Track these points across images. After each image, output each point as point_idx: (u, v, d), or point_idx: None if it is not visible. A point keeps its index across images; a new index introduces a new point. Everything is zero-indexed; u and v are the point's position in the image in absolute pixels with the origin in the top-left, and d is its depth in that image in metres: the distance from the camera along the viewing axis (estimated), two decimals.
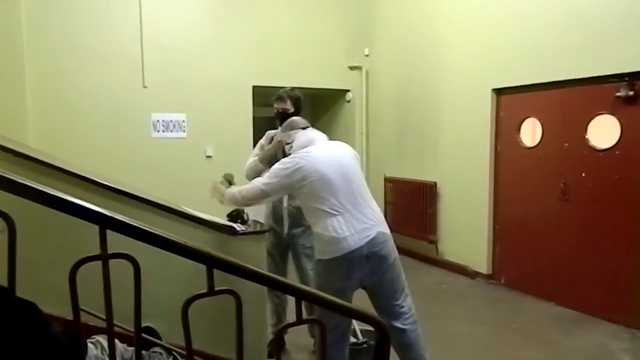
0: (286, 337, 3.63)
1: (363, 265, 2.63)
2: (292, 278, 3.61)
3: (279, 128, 3.48)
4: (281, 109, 3.47)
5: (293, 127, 2.99)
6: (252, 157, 3.67)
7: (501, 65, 5.21)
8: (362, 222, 2.66)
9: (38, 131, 5.44)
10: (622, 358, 3.67)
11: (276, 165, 2.76)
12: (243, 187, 2.89)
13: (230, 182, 3.19)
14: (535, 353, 3.75)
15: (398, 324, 2.73)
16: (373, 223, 2.69)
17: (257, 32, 6.64)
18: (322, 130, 3.68)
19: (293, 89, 3.52)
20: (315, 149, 2.79)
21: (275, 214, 3.56)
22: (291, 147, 2.90)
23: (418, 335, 2.78)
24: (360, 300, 2.70)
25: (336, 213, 2.63)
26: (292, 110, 3.47)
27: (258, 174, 3.46)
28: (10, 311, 1.12)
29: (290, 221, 3.52)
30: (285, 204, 3.50)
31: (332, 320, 2.42)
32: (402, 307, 2.76)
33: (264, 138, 3.66)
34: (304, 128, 2.97)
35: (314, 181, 2.63)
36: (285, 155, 2.90)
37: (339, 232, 2.60)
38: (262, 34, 6.67)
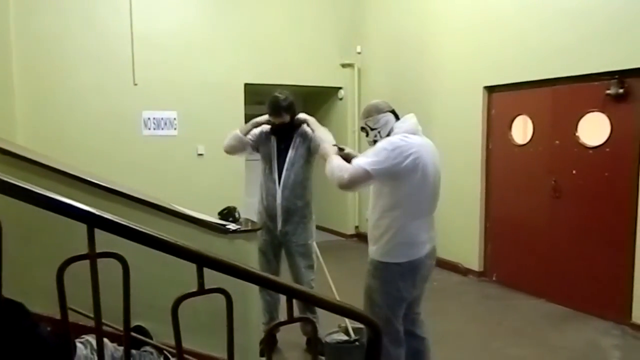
0: (278, 336, 3.63)
1: (424, 273, 2.61)
2: (283, 276, 3.61)
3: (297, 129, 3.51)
4: (279, 122, 3.45)
5: (379, 110, 2.63)
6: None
7: (493, 63, 5.23)
8: (430, 230, 2.60)
9: (27, 129, 5.39)
10: (613, 354, 3.70)
11: (383, 145, 2.42)
12: (345, 164, 2.50)
13: (342, 149, 2.80)
14: (526, 350, 3.77)
15: (419, 332, 2.75)
16: (434, 234, 2.64)
17: (248, 29, 6.62)
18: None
19: (286, 96, 3.46)
20: (423, 141, 2.53)
21: (269, 210, 3.53)
22: (378, 133, 2.59)
23: (431, 345, 2.80)
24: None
25: (421, 214, 2.52)
26: (288, 120, 3.46)
27: (235, 139, 3.52)
28: None
29: (284, 217, 3.50)
30: (279, 200, 3.48)
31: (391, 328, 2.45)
32: (420, 314, 2.80)
33: (260, 127, 3.61)
34: (392, 112, 2.64)
35: (419, 175, 2.41)
36: (370, 140, 2.63)
37: (420, 236, 2.51)
38: (254, 32, 6.65)
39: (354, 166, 2.42)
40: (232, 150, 3.62)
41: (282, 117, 3.42)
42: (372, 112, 2.64)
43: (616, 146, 4.19)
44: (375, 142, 2.57)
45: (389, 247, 2.50)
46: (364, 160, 2.41)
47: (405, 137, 2.44)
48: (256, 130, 3.59)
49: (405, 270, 2.50)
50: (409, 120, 2.60)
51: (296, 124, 3.50)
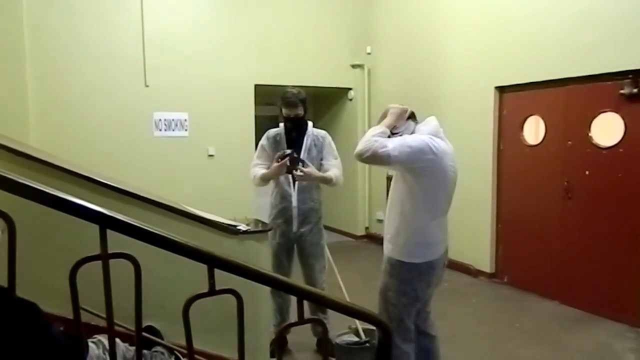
0: (288, 336, 3.63)
1: (439, 272, 2.66)
2: (294, 278, 3.61)
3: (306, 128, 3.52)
4: (294, 115, 3.46)
5: (409, 117, 2.66)
6: (256, 160, 3.60)
7: (504, 63, 5.19)
8: (445, 231, 2.64)
9: (39, 131, 5.45)
10: (627, 357, 3.65)
11: (414, 138, 2.43)
12: (377, 137, 2.44)
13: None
14: (539, 352, 3.73)
15: (430, 331, 2.79)
16: (447, 235, 2.68)
17: (259, 30, 6.63)
18: (323, 129, 3.69)
19: (299, 91, 3.49)
20: (446, 143, 2.56)
21: (285, 213, 3.53)
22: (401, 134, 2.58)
23: (440, 343, 2.84)
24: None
25: (439, 215, 2.54)
26: (303, 113, 3.49)
27: (264, 183, 3.49)
28: (11, 311, 1.12)
29: (300, 220, 3.51)
30: (295, 203, 3.49)
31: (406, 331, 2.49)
32: (430, 313, 2.83)
33: (264, 138, 3.63)
34: (411, 116, 2.67)
35: (441, 173, 2.44)
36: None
37: (438, 236, 2.54)
38: (264, 33, 6.66)
39: (382, 144, 2.37)
40: (259, 185, 3.59)
41: (297, 110, 3.45)
42: (399, 115, 2.65)
43: (630, 147, 4.13)
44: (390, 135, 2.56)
45: (408, 247, 2.51)
46: (399, 144, 2.37)
47: (432, 138, 2.46)
48: (264, 143, 3.58)
49: (423, 271, 2.52)
50: (431, 122, 2.61)
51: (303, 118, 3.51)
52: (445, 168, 2.45)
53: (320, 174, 3.44)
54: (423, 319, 2.77)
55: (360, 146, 2.43)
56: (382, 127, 2.52)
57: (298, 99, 3.44)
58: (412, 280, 2.53)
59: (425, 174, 2.42)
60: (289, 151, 3.34)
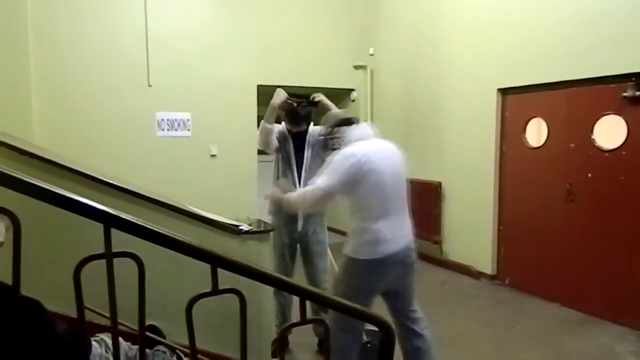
0: (290, 337, 3.63)
1: (397, 270, 2.68)
2: (296, 278, 3.61)
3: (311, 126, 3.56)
4: (296, 131, 3.52)
5: (340, 123, 2.83)
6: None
7: (506, 65, 5.19)
8: (401, 227, 2.71)
9: (43, 130, 5.46)
10: None
11: (335, 159, 2.61)
12: (304, 190, 2.74)
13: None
14: (540, 354, 3.73)
15: (416, 328, 2.80)
16: (408, 231, 2.75)
17: (261, 31, 6.64)
18: None
19: (304, 105, 3.51)
20: (373, 145, 2.70)
21: (289, 212, 3.53)
22: (339, 141, 2.75)
23: (431, 339, 2.84)
24: (378, 300, 2.72)
25: (383, 215, 2.61)
26: (306, 127, 3.54)
27: (267, 133, 3.45)
28: (15, 309, 1.12)
29: (305, 219, 3.52)
30: None
31: (347, 320, 2.46)
32: (416, 312, 2.84)
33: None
34: (352, 123, 2.82)
35: (371, 177, 2.54)
36: (327, 149, 2.82)
37: (384, 235, 2.59)
38: (267, 33, 6.67)
39: (311, 189, 2.62)
40: (266, 145, 3.53)
41: (301, 127, 3.51)
42: (332, 122, 2.88)
43: (633, 149, 4.13)
44: (334, 149, 2.75)
45: (354, 245, 2.65)
46: (321, 179, 2.59)
47: (354, 146, 2.62)
48: (275, 128, 3.59)
49: (369, 266, 2.60)
50: (357, 129, 2.77)
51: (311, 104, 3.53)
52: (374, 170, 2.55)
53: None
54: (408, 317, 2.81)
55: (302, 207, 2.77)
56: (290, 196, 2.79)
57: (301, 116, 3.48)
58: (356, 274, 2.63)
59: (355, 183, 2.56)
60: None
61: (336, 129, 2.81)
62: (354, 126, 2.79)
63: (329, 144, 2.85)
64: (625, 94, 4.09)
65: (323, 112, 3.57)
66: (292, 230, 3.54)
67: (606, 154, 4.33)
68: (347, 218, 2.72)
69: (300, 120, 3.48)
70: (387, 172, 2.62)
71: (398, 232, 2.67)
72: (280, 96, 3.45)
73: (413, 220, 2.84)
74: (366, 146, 2.64)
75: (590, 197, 4.48)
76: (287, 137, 3.57)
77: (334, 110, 3.04)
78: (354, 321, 2.57)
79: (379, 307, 2.71)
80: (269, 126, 3.47)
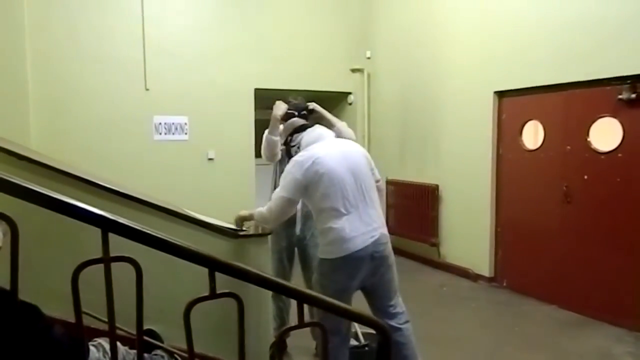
0: (288, 340, 3.63)
1: (367, 266, 2.66)
2: (294, 281, 3.62)
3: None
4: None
5: (296, 130, 2.99)
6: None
7: (503, 68, 5.21)
8: (368, 223, 2.67)
9: (40, 134, 5.46)
10: None
11: (287, 167, 2.72)
12: (269, 203, 2.78)
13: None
14: (538, 356, 3.73)
15: (394, 323, 2.78)
16: (377, 225, 2.71)
17: (259, 34, 6.65)
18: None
19: (304, 114, 3.51)
20: (326, 146, 2.76)
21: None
22: (297, 148, 2.87)
23: (411, 333, 2.84)
24: (362, 302, 2.71)
25: (345, 212, 2.61)
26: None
27: (274, 145, 3.45)
28: (13, 314, 1.13)
29: (303, 222, 3.53)
30: (299, 205, 3.48)
31: (333, 323, 2.46)
32: (395, 307, 2.83)
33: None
34: (307, 128, 2.95)
35: (325, 178, 2.59)
36: (290, 157, 2.87)
37: (347, 232, 2.59)
38: (264, 37, 6.68)
39: (273, 199, 2.71)
40: (272, 157, 3.51)
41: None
42: (289, 130, 3.04)
43: (628, 151, 4.15)
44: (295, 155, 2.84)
45: (323, 245, 2.69)
46: (279, 189, 2.70)
47: (306, 150, 2.73)
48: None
49: (337, 266, 2.63)
50: (311, 133, 2.90)
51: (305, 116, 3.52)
52: (327, 170, 2.61)
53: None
54: (386, 313, 2.78)
55: (269, 219, 2.78)
56: (254, 213, 2.85)
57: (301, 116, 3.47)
58: (331, 273, 2.66)
59: (310, 185, 2.63)
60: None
61: (292, 137, 2.96)
62: (308, 130, 2.91)
63: (290, 152, 2.95)
64: (620, 97, 4.11)
65: (318, 120, 3.57)
66: (290, 234, 3.55)
67: (602, 157, 4.35)
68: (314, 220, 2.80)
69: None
70: (344, 170, 2.65)
71: (363, 227, 2.64)
72: (281, 108, 3.43)
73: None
74: (317, 149, 2.72)
75: (586, 199, 4.50)
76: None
77: (293, 119, 3.09)
78: (339, 323, 2.60)
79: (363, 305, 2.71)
80: (275, 138, 3.42)
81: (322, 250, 2.71)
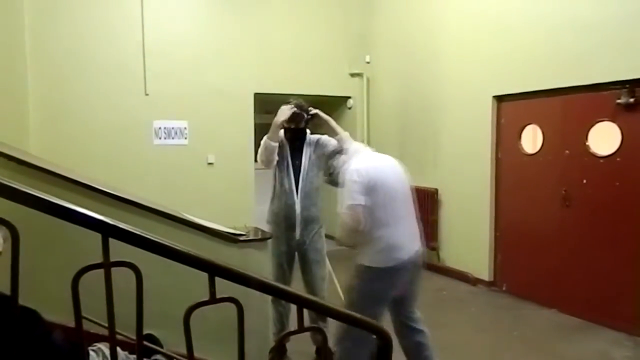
0: (288, 345, 3.62)
1: (408, 276, 2.76)
2: (294, 286, 3.61)
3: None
4: (295, 126, 3.53)
5: (330, 157, 3.11)
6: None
7: (502, 73, 5.22)
8: (412, 234, 2.79)
9: (40, 139, 5.46)
10: None
11: (349, 177, 2.71)
12: (341, 220, 2.74)
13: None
14: None
15: (417, 326, 2.90)
16: (417, 235, 2.82)
17: (258, 39, 6.67)
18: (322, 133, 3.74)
19: (302, 104, 3.55)
20: (374, 157, 2.87)
21: (288, 220, 3.54)
22: (339, 172, 2.89)
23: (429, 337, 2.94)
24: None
25: (394, 222, 2.69)
26: (304, 125, 3.58)
27: (271, 151, 3.45)
28: (13, 319, 1.13)
29: (302, 226, 3.53)
30: (298, 210, 3.50)
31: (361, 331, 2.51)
32: (416, 313, 2.94)
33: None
34: (342, 150, 3.08)
35: (380, 187, 2.66)
36: (334, 182, 2.96)
37: (397, 242, 2.68)
38: (264, 42, 6.70)
39: (348, 210, 2.66)
40: (268, 163, 3.51)
41: (299, 123, 3.51)
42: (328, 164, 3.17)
43: (627, 155, 4.16)
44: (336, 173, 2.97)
45: (369, 254, 2.70)
46: (350, 200, 2.66)
47: (355, 163, 2.79)
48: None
49: (384, 274, 2.66)
50: (352, 146, 3.05)
51: (307, 119, 3.55)
52: (385, 178, 2.70)
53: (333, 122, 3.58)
54: (407, 316, 2.90)
55: (347, 230, 2.72)
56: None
57: (303, 116, 3.50)
58: (375, 281, 2.68)
59: (371, 193, 2.65)
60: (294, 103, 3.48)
61: (330, 163, 3.05)
62: (346, 149, 3.04)
63: (336, 179, 2.96)
64: (619, 101, 4.12)
65: (319, 125, 3.60)
66: (290, 239, 3.54)
67: (601, 160, 4.36)
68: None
69: (300, 118, 3.49)
70: (394, 181, 2.74)
71: (409, 237, 2.75)
72: (285, 113, 3.45)
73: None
74: (367, 159, 2.82)
75: (585, 203, 4.50)
76: (284, 143, 3.58)
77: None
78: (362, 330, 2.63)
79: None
80: (274, 144, 3.44)
81: (369, 259, 2.70)
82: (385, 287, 2.69)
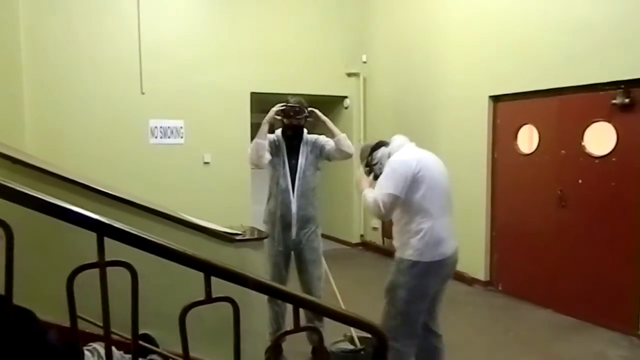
0: (284, 344, 3.62)
1: (447, 271, 2.79)
2: (290, 285, 3.61)
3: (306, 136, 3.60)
4: (296, 123, 3.54)
5: (374, 148, 2.97)
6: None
7: (498, 73, 5.24)
8: (452, 229, 2.81)
9: (35, 138, 5.44)
10: None
11: (393, 166, 2.70)
12: (374, 195, 2.71)
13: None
14: None
15: (436, 330, 2.91)
16: (453, 233, 2.82)
17: (255, 38, 6.66)
18: (320, 133, 3.74)
19: (300, 101, 3.55)
20: (420, 151, 2.82)
21: (284, 220, 3.54)
22: (380, 164, 2.86)
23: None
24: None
25: (438, 214, 2.69)
26: (303, 122, 3.59)
27: (259, 147, 3.44)
28: (7, 318, 1.12)
29: (299, 226, 3.52)
30: (294, 210, 3.50)
31: (409, 328, 2.64)
32: (437, 313, 2.94)
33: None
34: (380, 144, 2.98)
35: (427, 180, 2.65)
36: (375, 175, 2.90)
37: (440, 235, 2.68)
38: (260, 41, 6.69)
39: (381, 196, 2.64)
40: (258, 160, 3.49)
41: (299, 120, 3.52)
42: (366, 153, 2.98)
43: (623, 156, 4.17)
44: (381, 173, 2.82)
45: (418, 247, 2.65)
46: (385, 187, 2.64)
47: (401, 154, 2.76)
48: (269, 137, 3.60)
49: (432, 268, 2.66)
50: (397, 139, 2.92)
51: (306, 116, 3.55)
52: (426, 172, 2.67)
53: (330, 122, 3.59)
54: (433, 318, 2.89)
55: (375, 214, 2.76)
56: (368, 192, 2.80)
57: (300, 111, 3.50)
58: (420, 276, 2.66)
59: (414, 184, 2.65)
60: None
61: (371, 156, 2.92)
62: (391, 140, 2.93)
63: (375, 170, 2.91)
64: (614, 101, 4.14)
65: (316, 125, 3.61)
66: (286, 238, 3.54)
67: (596, 161, 4.38)
68: (400, 224, 2.75)
69: (300, 113, 3.50)
70: (439, 175, 2.74)
71: (449, 232, 2.77)
72: (273, 110, 3.49)
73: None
74: (414, 152, 2.78)
75: (581, 203, 4.52)
76: (280, 142, 3.58)
77: (363, 143, 3.18)
78: (411, 327, 2.68)
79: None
80: (261, 141, 3.45)
81: (417, 253, 2.66)
82: (431, 282, 2.70)
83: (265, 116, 3.51)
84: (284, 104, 3.50)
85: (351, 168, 7.03)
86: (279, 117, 3.52)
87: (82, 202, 2.09)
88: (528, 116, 5.06)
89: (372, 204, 2.69)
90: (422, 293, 2.68)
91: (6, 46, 4.96)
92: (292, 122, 3.50)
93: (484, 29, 5.39)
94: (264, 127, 3.47)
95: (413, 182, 2.63)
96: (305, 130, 3.65)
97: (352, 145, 3.62)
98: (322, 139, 3.63)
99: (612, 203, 4.25)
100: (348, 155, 3.61)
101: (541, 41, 4.75)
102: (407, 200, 2.66)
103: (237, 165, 6.58)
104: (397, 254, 2.76)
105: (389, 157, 2.81)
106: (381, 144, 2.95)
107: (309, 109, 3.58)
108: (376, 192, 2.68)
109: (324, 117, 3.61)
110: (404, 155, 2.73)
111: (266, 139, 3.48)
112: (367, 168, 2.96)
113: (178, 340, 1.26)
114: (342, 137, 3.54)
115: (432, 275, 2.68)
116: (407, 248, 2.69)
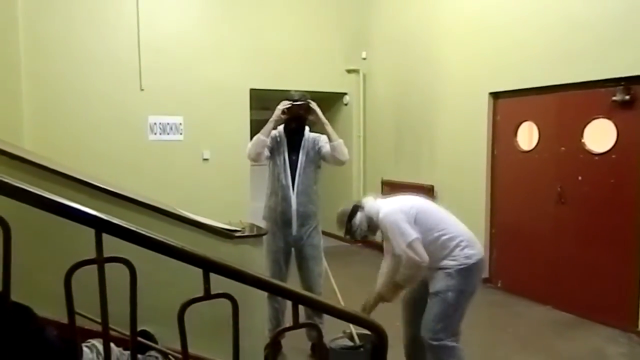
0: (283, 341, 3.62)
1: (483, 269, 2.97)
2: (290, 282, 3.61)
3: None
4: (297, 114, 3.53)
5: (351, 216, 3.02)
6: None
7: (498, 69, 5.23)
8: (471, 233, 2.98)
9: (34, 134, 5.43)
10: None
11: (388, 224, 2.78)
12: (402, 266, 2.78)
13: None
14: (532, 357, 3.74)
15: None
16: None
17: (254, 35, 6.65)
18: (320, 133, 3.73)
19: (302, 93, 3.56)
20: (388, 199, 2.97)
21: (284, 216, 3.53)
22: (360, 229, 2.96)
23: None
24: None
25: (452, 222, 2.90)
26: (304, 118, 3.59)
27: (259, 144, 3.45)
28: (5, 315, 1.12)
29: (299, 222, 3.52)
30: (294, 206, 3.49)
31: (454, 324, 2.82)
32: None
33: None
34: (356, 208, 3.03)
35: (419, 207, 2.82)
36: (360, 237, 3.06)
37: (465, 236, 2.85)
38: (260, 37, 6.68)
39: (406, 250, 2.69)
40: (256, 156, 3.51)
41: (304, 113, 3.52)
42: (344, 221, 3.00)
43: (622, 153, 4.17)
44: (365, 237, 3.03)
45: (462, 253, 2.78)
46: (403, 242, 2.70)
47: (383, 209, 2.84)
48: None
49: (475, 267, 2.80)
50: (369, 200, 3.00)
51: (304, 112, 3.54)
52: (413, 204, 2.84)
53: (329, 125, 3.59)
54: None
55: (416, 270, 2.77)
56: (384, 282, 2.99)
57: (302, 106, 3.50)
58: (471, 277, 2.79)
59: (417, 219, 2.78)
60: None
61: (350, 224, 2.97)
62: (365, 203, 2.99)
63: (357, 235, 3.00)
64: (614, 98, 4.13)
65: (314, 123, 3.60)
66: (286, 235, 3.54)
67: (596, 158, 4.37)
68: (434, 246, 2.80)
69: (304, 106, 3.49)
70: (422, 200, 2.93)
71: (473, 236, 2.94)
72: (279, 108, 3.48)
73: None
74: (388, 201, 2.92)
75: (580, 200, 4.51)
76: (282, 138, 3.57)
77: (339, 210, 3.11)
78: (456, 323, 2.84)
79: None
80: (264, 138, 3.46)
81: (457, 263, 2.75)
82: (476, 281, 2.82)
83: (266, 113, 3.51)
84: (290, 102, 3.47)
85: (352, 166, 7.03)
86: (284, 116, 3.50)
87: (80, 198, 2.08)
88: (528, 113, 5.05)
89: (408, 268, 2.72)
90: (470, 293, 2.83)
91: (5, 42, 4.95)
92: (298, 113, 3.48)
93: (483, 25, 5.37)
94: (270, 125, 3.47)
95: (415, 217, 2.75)
96: (307, 128, 3.64)
97: (347, 153, 3.61)
98: (323, 138, 3.62)
99: (612, 200, 4.24)
100: (341, 163, 3.60)
101: (541, 38, 4.73)
102: (424, 234, 2.76)
103: (237, 161, 6.57)
104: (441, 268, 2.79)
105: (368, 220, 2.90)
106: (356, 209, 2.98)
107: (309, 102, 3.57)
108: (402, 254, 2.72)
109: (324, 119, 3.59)
110: (387, 208, 2.83)
111: (269, 136, 3.47)
112: (348, 235, 3.05)
113: (177, 336, 1.26)
114: (338, 144, 3.52)
115: (476, 275, 2.84)
116: (452, 258, 2.78)
